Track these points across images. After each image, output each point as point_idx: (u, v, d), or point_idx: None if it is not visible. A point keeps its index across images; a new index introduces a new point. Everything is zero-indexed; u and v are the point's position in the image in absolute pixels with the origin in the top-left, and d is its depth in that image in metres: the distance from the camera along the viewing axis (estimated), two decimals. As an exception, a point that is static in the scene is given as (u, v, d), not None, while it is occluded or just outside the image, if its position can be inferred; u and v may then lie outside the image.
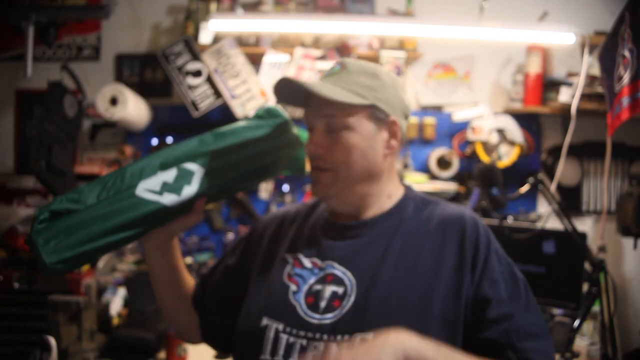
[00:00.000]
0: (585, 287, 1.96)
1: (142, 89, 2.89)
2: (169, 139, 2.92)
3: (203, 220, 2.85)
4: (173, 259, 1.09)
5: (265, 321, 0.96)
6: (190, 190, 0.99)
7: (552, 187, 2.31)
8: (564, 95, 2.63)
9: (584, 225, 2.89)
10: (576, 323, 1.76)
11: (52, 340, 1.68)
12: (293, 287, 0.98)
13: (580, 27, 2.35)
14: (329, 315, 0.93)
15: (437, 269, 0.94)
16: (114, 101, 2.58)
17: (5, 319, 2.11)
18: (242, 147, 1.03)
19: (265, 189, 2.88)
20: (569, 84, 2.62)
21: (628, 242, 2.58)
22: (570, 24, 2.28)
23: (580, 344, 1.93)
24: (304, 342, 0.92)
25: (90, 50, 2.99)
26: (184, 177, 0.99)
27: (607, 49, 2.09)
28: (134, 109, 2.65)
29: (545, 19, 2.64)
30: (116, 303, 2.22)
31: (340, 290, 0.95)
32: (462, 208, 1.04)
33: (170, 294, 1.13)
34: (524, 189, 1.89)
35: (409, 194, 1.06)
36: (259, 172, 1.08)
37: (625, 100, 1.92)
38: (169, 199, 0.98)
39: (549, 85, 2.75)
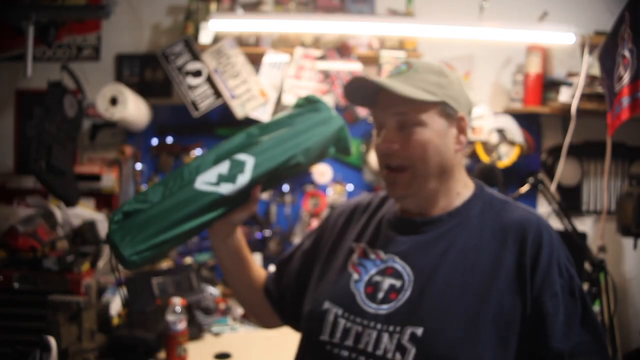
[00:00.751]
0: (585, 287, 1.96)
1: (142, 89, 2.89)
2: (169, 139, 2.92)
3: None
4: (239, 249, 1.15)
5: (326, 305, 1.02)
6: (244, 178, 1.06)
7: (552, 187, 2.31)
8: (564, 95, 2.63)
9: (584, 225, 2.89)
10: (576, 323, 1.76)
11: (52, 340, 1.68)
12: (355, 276, 1.03)
13: (580, 27, 2.35)
14: (385, 306, 0.97)
15: (495, 273, 0.94)
16: (114, 101, 2.58)
17: (5, 319, 2.11)
18: (287, 132, 1.10)
19: (265, 189, 2.88)
20: (569, 84, 2.62)
21: (628, 242, 2.58)
22: (570, 24, 2.28)
23: (580, 344, 1.93)
24: (360, 328, 0.97)
25: (90, 50, 2.99)
26: (237, 167, 1.06)
27: (607, 49, 2.09)
28: (134, 109, 2.65)
29: (545, 19, 2.64)
30: (116, 303, 2.22)
31: (398, 283, 0.98)
32: (530, 212, 1.02)
33: (242, 283, 1.19)
34: (524, 189, 1.89)
35: (479, 192, 1.06)
36: (305, 155, 1.12)
37: (625, 100, 1.92)
38: (225, 188, 1.05)
39: (549, 85, 2.75)
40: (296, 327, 1.19)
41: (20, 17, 2.21)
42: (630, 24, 1.91)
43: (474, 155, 2.80)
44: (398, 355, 0.91)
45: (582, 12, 2.84)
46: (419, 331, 0.92)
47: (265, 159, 1.07)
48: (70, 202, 2.36)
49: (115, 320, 2.17)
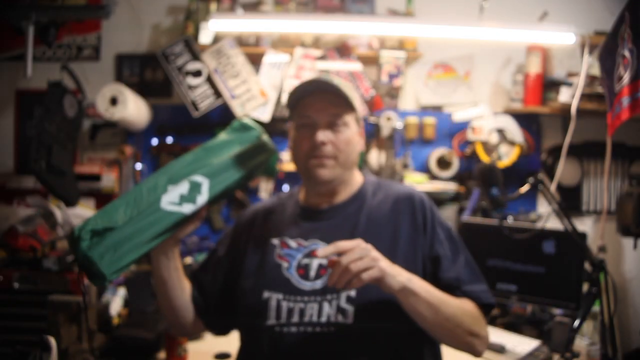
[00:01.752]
0: (585, 287, 1.96)
1: (142, 89, 2.89)
2: (169, 139, 2.92)
3: (203, 220, 2.86)
4: (176, 260, 1.24)
5: (266, 294, 1.17)
6: (202, 199, 1.18)
7: (552, 187, 2.31)
8: (564, 95, 2.63)
9: (584, 225, 2.89)
10: (576, 323, 1.76)
11: (52, 340, 1.67)
12: (285, 264, 1.20)
13: (580, 27, 2.35)
14: (319, 281, 1.16)
15: (396, 234, 1.19)
16: (114, 101, 2.58)
17: (5, 319, 2.11)
18: (232, 159, 1.25)
19: (265, 189, 2.89)
20: (569, 84, 2.62)
21: (628, 242, 2.58)
22: (570, 24, 2.28)
23: (580, 344, 1.93)
24: (302, 305, 1.14)
25: (90, 50, 2.99)
26: (195, 188, 1.18)
27: (607, 49, 2.09)
28: (134, 109, 2.65)
29: (545, 19, 2.64)
30: (116, 303, 2.22)
31: (324, 261, 1.15)
32: (410, 187, 1.30)
33: (176, 293, 1.26)
34: (524, 189, 1.89)
35: (367, 179, 1.32)
36: (246, 177, 1.27)
37: (625, 100, 1.92)
38: (187, 208, 1.17)
39: (549, 85, 2.75)
40: (218, 331, 1.34)
41: (20, 17, 2.22)
42: (630, 24, 1.91)
43: (474, 155, 2.80)
44: (340, 317, 1.11)
45: (582, 12, 2.84)
46: (353, 293, 1.12)
47: (218, 182, 1.21)
48: (70, 202, 2.36)
49: (115, 320, 2.17)
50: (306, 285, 1.16)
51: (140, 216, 1.14)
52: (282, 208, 1.32)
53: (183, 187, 1.18)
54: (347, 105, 1.22)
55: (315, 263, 1.18)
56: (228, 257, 1.30)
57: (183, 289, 1.27)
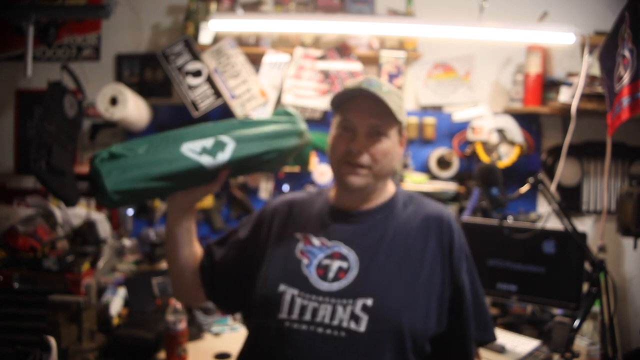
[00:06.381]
0: (585, 287, 1.96)
1: (142, 89, 2.89)
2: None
3: (203, 220, 2.87)
4: (191, 221, 1.29)
5: (282, 287, 1.17)
6: (223, 157, 1.20)
7: (552, 187, 2.31)
8: (564, 95, 2.63)
9: (584, 225, 2.89)
10: (576, 323, 1.76)
11: (52, 340, 1.68)
12: (305, 261, 1.20)
13: (580, 27, 2.35)
14: (336, 284, 1.15)
15: (423, 254, 1.19)
16: (114, 101, 2.58)
17: (5, 319, 2.11)
18: (267, 133, 1.27)
19: (265, 189, 2.89)
20: (569, 84, 2.62)
21: (628, 242, 2.58)
22: (570, 24, 2.28)
23: (580, 344, 1.93)
24: (316, 304, 1.13)
25: (90, 50, 2.99)
26: (219, 146, 1.21)
27: (607, 49, 2.09)
28: (134, 109, 2.65)
29: (545, 19, 2.64)
30: (116, 303, 2.22)
31: (345, 265, 1.17)
32: (440, 206, 1.28)
33: (184, 254, 1.30)
34: (524, 189, 1.89)
35: (398, 190, 1.32)
36: (275, 160, 1.29)
37: (625, 100, 1.92)
38: (205, 159, 1.19)
39: (549, 85, 2.75)
40: (221, 305, 1.38)
41: (20, 17, 2.21)
42: (630, 24, 1.91)
43: (474, 155, 2.80)
44: (352, 324, 1.10)
45: (582, 12, 2.84)
46: (369, 302, 1.11)
47: (244, 147, 1.23)
48: (70, 202, 2.35)
49: (115, 320, 2.17)
50: (323, 286, 1.15)
51: (158, 151, 1.18)
52: (310, 204, 1.32)
53: (208, 142, 1.21)
54: (390, 116, 1.20)
55: (335, 265, 1.18)
56: (247, 240, 1.31)
57: (192, 253, 1.31)
